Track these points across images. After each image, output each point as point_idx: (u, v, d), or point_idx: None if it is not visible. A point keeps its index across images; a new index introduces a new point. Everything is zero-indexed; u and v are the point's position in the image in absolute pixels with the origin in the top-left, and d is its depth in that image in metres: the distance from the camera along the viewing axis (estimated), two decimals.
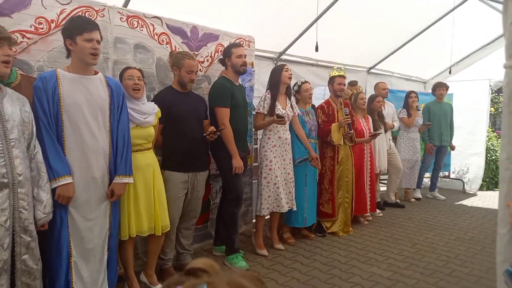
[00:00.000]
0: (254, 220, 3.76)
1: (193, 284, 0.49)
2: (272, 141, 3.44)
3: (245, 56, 3.16)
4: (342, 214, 4.05)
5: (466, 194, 6.31)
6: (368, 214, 4.62)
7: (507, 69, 1.23)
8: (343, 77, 3.97)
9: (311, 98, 3.88)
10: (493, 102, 8.51)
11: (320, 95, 5.87)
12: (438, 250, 3.64)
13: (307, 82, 3.82)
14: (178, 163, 2.79)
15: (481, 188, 6.60)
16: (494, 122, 9.15)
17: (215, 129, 2.86)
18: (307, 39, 4.28)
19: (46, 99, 2.04)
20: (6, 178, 1.77)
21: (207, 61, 3.39)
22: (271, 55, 4.59)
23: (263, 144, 3.48)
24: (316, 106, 4.12)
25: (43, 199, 1.94)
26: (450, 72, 5.98)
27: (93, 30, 2.12)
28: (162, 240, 2.67)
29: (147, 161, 2.54)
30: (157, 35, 3.00)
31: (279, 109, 3.39)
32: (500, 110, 8.67)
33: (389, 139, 5.12)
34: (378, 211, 4.88)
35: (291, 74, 3.48)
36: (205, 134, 2.87)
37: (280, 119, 3.22)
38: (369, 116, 4.59)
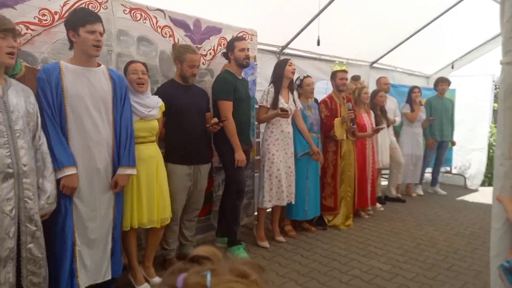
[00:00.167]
0: (256, 213, 3.80)
1: (197, 271, 0.50)
2: (275, 135, 3.46)
3: (248, 49, 3.17)
4: (344, 208, 4.08)
5: (468, 190, 6.32)
6: (369, 208, 4.64)
7: (504, 66, 1.24)
8: (345, 71, 3.97)
9: (313, 92, 3.88)
10: (497, 98, 8.47)
11: (322, 89, 5.88)
12: (438, 244, 3.67)
13: (309, 76, 3.82)
14: (180, 156, 2.82)
15: (482, 184, 6.61)
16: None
17: (217, 121, 2.87)
18: (310, 33, 4.27)
19: (49, 90, 2.06)
20: (12, 168, 1.80)
21: (210, 54, 3.39)
22: (274, 49, 4.59)
23: (266, 138, 3.50)
24: (319, 101, 4.13)
25: (47, 189, 1.97)
26: (452, 67, 5.96)
27: (96, 22, 2.13)
28: (161, 233, 2.70)
29: (150, 153, 2.57)
30: (160, 27, 3.00)
31: (282, 102, 3.40)
32: None
33: (392, 134, 5.12)
34: (379, 205, 4.90)
35: (295, 69, 3.49)
36: (207, 126, 2.89)
37: (284, 113, 3.23)
38: (371, 111, 4.60)
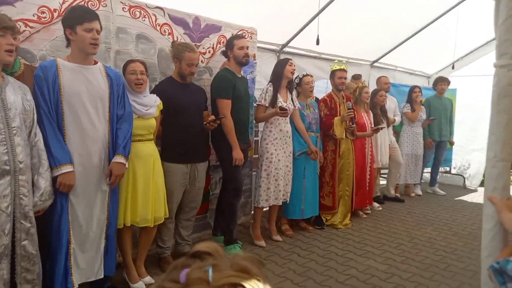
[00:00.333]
0: (253, 212, 3.80)
1: (199, 266, 0.52)
2: (274, 134, 3.46)
3: (247, 47, 3.17)
4: (342, 207, 4.08)
5: (467, 190, 6.32)
6: (367, 207, 4.65)
7: (497, 68, 1.25)
8: (344, 70, 3.96)
9: (312, 91, 3.88)
10: None
11: (322, 88, 5.86)
12: (435, 245, 3.67)
13: (309, 75, 3.81)
14: (177, 154, 2.82)
15: (482, 184, 6.58)
16: None
17: (215, 118, 2.88)
18: (310, 31, 4.26)
19: (46, 87, 2.06)
20: (8, 165, 1.80)
21: (209, 52, 3.39)
22: (274, 47, 4.58)
23: (265, 137, 3.50)
24: (319, 99, 4.13)
25: (41, 186, 1.97)
26: (453, 68, 5.94)
27: (93, 20, 2.13)
28: (154, 232, 2.69)
29: (148, 151, 2.57)
30: (159, 25, 3.00)
31: (281, 101, 3.40)
32: None
33: (391, 134, 5.12)
34: (377, 205, 4.90)
35: (294, 69, 3.49)
36: (205, 123, 2.89)
37: (283, 111, 3.23)
38: (369, 111, 4.59)
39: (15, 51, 2.08)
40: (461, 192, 6.13)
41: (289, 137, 3.55)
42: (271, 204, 3.53)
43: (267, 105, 3.40)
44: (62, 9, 2.49)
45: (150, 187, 2.54)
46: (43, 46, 2.45)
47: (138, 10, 2.87)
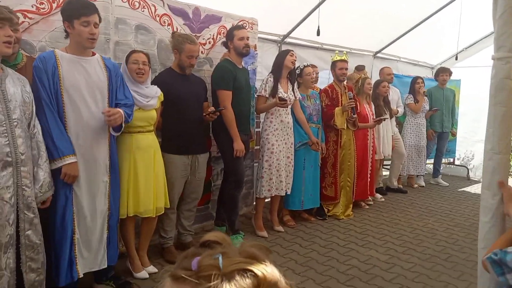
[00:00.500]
0: (254, 203, 3.82)
1: (209, 254, 0.55)
2: (274, 125, 3.46)
3: (247, 38, 3.15)
4: (343, 198, 4.09)
5: (470, 181, 6.29)
6: (369, 198, 4.65)
7: (495, 61, 1.27)
8: (345, 61, 3.93)
9: (313, 82, 3.86)
10: None
11: (325, 79, 5.82)
12: (437, 235, 3.67)
13: (309, 66, 3.79)
14: (178, 146, 2.82)
15: None
16: None
17: (214, 109, 2.87)
18: (312, 22, 4.22)
19: (46, 79, 2.07)
20: (10, 157, 1.82)
21: (209, 43, 3.37)
22: (275, 38, 4.54)
23: (265, 128, 3.50)
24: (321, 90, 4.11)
25: (40, 177, 1.99)
26: (456, 59, 5.87)
27: (91, 14, 2.10)
28: (155, 222, 2.71)
29: (148, 142, 2.58)
30: (158, 16, 2.99)
31: (281, 92, 3.39)
32: None
33: (394, 125, 5.09)
34: (379, 196, 4.90)
35: (295, 60, 3.46)
36: (204, 114, 2.89)
37: (283, 102, 3.22)
38: (371, 102, 4.56)
39: (17, 42, 2.09)
40: (465, 183, 6.11)
41: (290, 128, 3.54)
42: (273, 195, 3.54)
43: (267, 95, 3.39)
44: (61, 0, 2.48)
45: (152, 178, 2.56)
46: (43, 37, 2.44)
47: (137, 0, 2.85)
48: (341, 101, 3.97)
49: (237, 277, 0.51)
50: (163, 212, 2.68)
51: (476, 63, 6.27)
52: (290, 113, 3.55)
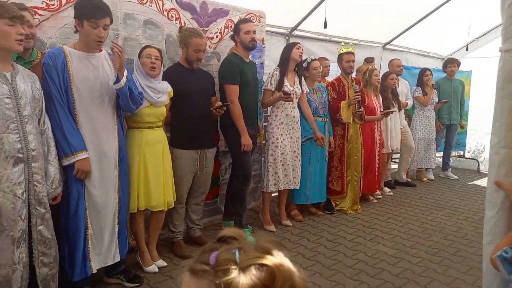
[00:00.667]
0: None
1: (227, 249, 0.57)
2: (279, 119, 3.44)
3: (253, 32, 3.12)
4: (350, 192, 4.08)
5: (481, 174, 6.22)
6: (378, 192, 4.63)
7: (503, 53, 1.23)
8: (352, 53, 3.87)
9: (319, 75, 3.82)
10: None
11: (334, 72, 5.77)
12: (445, 229, 3.65)
13: (317, 59, 3.75)
14: (186, 140, 2.84)
15: None
16: None
17: (221, 104, 2.88)
18: (320, 14, 4.16)
19: (57, 75, 2.09)
20: (21, 153, 1.85)
21: (217, 37, 3.36)
22: (283, 31, 4.51)
23: (270, 122, 3.49)
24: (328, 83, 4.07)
25: (51, 174, 2.02)
26: (467, 49, 5.76)
27: (102, 18, 2.10)
28: (163, 216, 2.75)
29: (157, 138, 2.62)
30: (166, 11, 2.98)
31: (286, 85, 3.37)
32: None
33: (403, 118, 5.03)
34: (388, 189, 4.88)
35: (302, 52, 3.42)
36: (212, 109, 2.90)
37: (286, 96, 3.20)
38: (379, 94, 4.51)
39: (32, 38, 2.12)
40: (475, 176, 6.05)
41: (297, 123, 3.52)
42: (279, 189, 3.54)
43: (273, 89, 3.37)
44: None
45: (161, 172, 2.59)
46: (53, 33, 2.46)
47: None
48: (348, 94, 3.93)
49: (254, 271, 0.53)
50: (173, 206, 2.71)
51: (487, 54, 6.14)
52: (296, 107, 3.53)
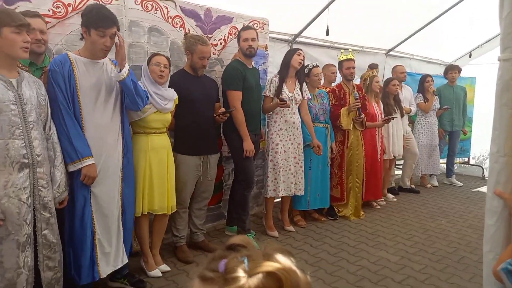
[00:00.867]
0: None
1: (235, 257, 0.58)
2: (278, 125, 3.46)
3: (252, 39, 3.13)
4: (352, 199, 4.06)
5: (485, 181, 6.17)
6: (382, 198, 4.62)
7: (501, 62, 1.23)
8: (352, 60, 3.88)
9: (320, 82, 3.83)
10: None
11: (340, 78, 5.78)
12: (449, 237, 3.63)
13: (318, 66, 3.77)
14: (190, 146, 2.87)
15: None
16: None
17: (224, 110, 2.90)
18: (323, 21, 4.20)
19: (63, 82, 2.12)
20: (26, 158, 1.87)
21: (221, 44, 3.40)
22: (286, 38, 4.54)
23: (270, 127, 3.50)
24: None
25: (57, 178, 2.05)
26: (470, 56, 5.76)
27: (109, 27, 2.13)
28: (166, 221, 2.77)
29: (162, 143, 2.66)
30: (171, 18, 3.02)
31: (285, 92, 3.38)
32: None
33: (406, 124, 5.03)
34: (391, 196, 4.86)
35: (302, 59, 3.43)
36: (215, 115, 2.92)
37: (283, 103, 3.21)
38: (380, 101, 4.51)
39: (44, 44, 2.16)
40: (480, 183, 6.01)
41: (297, 128, 3.51)
42: (280, 195, 3.54)
43: (272, 96, 3.39)
44: (77, 4, 2.54)
45: (165, 177, 2.63)
46: (59, 40, 2.51)
47: (150, 3, 2.89)
48: (349, 101, 3.92)
49: (262, 278, 0.55)
50: (175, 210, 2.74)
51: (491, 60, 6.12)
52: (296, 112, 3.53)
